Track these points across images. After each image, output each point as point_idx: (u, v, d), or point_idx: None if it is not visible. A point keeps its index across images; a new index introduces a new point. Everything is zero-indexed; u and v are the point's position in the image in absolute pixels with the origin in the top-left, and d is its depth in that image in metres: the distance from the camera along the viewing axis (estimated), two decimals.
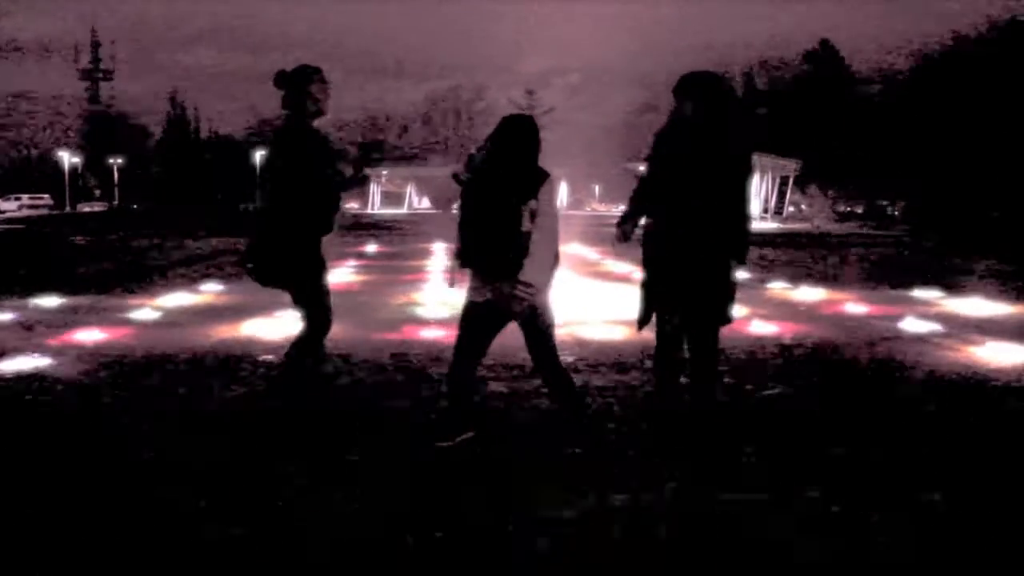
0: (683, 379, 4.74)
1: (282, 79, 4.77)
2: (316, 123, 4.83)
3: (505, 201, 4.25)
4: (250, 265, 4.81)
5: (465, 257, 4.41)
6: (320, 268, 4.77)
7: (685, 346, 4.65)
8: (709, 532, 3.57)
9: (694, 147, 4.42)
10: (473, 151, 4.49)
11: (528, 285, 4.20)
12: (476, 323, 4.48)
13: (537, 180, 4.28)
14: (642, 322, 4.72)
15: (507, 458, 4.42)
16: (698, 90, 4.48)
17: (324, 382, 5.26)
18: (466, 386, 4.61)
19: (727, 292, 4.50)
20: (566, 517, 3.64)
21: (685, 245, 4.41)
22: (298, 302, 4.79)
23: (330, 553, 3.35)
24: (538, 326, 4.43)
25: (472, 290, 4.46)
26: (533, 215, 4.24)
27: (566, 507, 3.73)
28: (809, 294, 11.69)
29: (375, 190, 71.66)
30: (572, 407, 4.67)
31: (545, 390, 4.97)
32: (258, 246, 4.78)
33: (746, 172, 4.52)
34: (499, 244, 4.26)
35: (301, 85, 4.71)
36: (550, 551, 3.35)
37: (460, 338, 4.54)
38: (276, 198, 4.73)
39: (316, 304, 4.77)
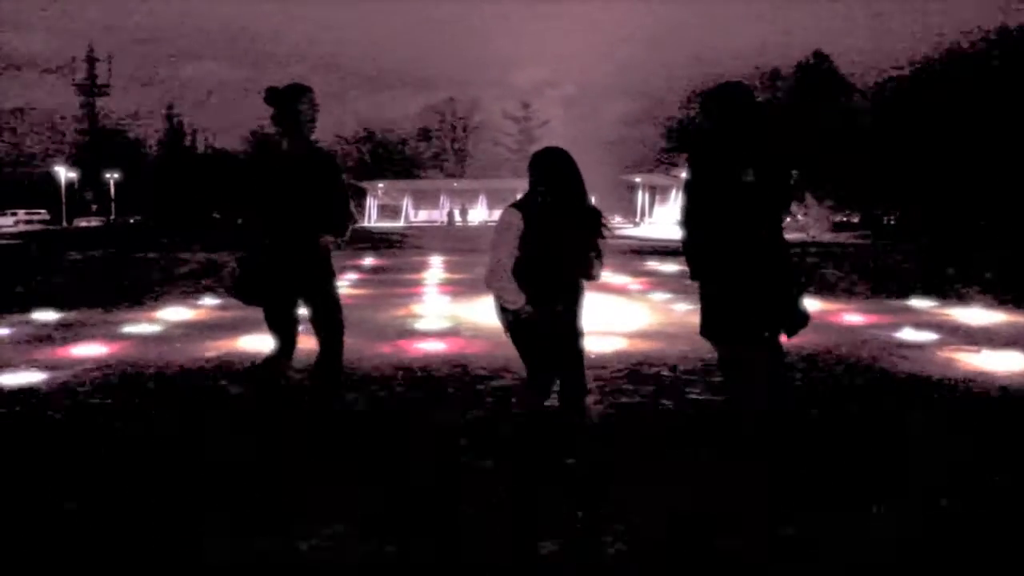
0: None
1: (272, 97, 4.77)
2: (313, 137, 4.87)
3: (568, 245, 4.30)
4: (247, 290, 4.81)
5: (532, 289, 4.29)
6: (326, 277, 4.81)
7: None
8: (709, 536, 3.57)
9: (744, 162, 4.49)
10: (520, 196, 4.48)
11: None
12: (533, 332, 4.41)
13: (595, 218, 4.36)
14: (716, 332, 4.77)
15: (507, 467, 4.43)
16: (738, 104, 4.54)
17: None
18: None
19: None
20: (564, 527, 3.65)
21: (755, 261, 4.55)
22: (314, 308, 4.82)
23: (329, 558, 3.36)
24: (576, 344, 4.52)
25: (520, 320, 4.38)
26: (599, 253, 4.37)
27: (566, 516, 3.75)
28: (806, 304, 11.67)
29: (372, 203, 71.69)
30: (575, 418, 4.67)
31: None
32: (255, 268, 4.78)
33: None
34: (564, 280, 4.36)
35: (290, 103, 4.71)
36: (546, 561, 3.37)
37: (531, 348, 4.45)
38: (263, 217, 4.74)
39: (331, 311, 4.82)
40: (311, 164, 4.74)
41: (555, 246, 4.22)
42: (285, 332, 4.80)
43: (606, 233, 4.39)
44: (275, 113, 4.77)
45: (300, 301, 4.82)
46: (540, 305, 4.26)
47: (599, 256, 4.38)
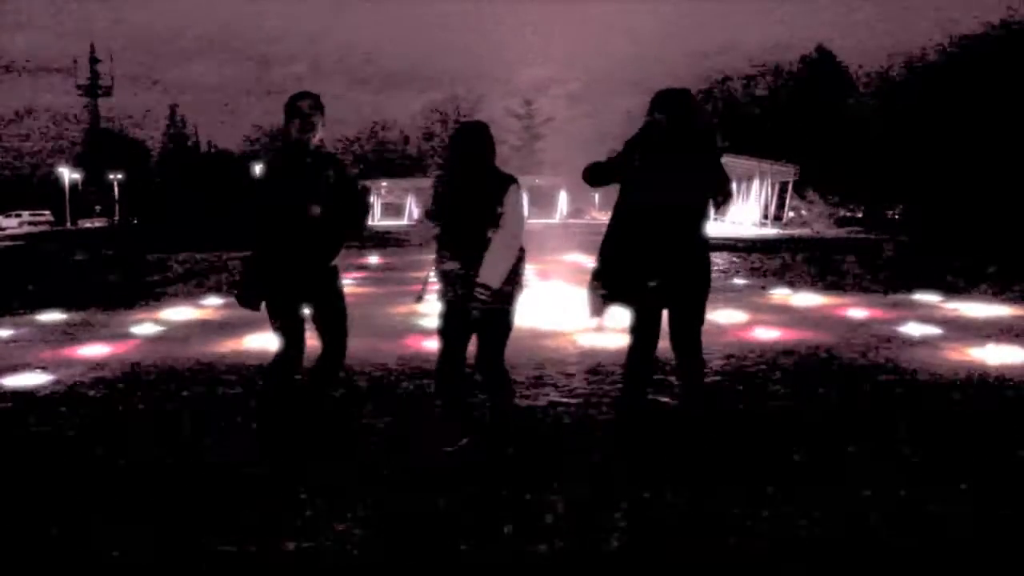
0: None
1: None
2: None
3: (470, 209, 4.36)
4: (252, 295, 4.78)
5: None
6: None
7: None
8: (707, 532, 3.58)
9: (667, 152, 4.59)
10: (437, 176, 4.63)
11: (482, 286, 4.32)
12: (452, 324, 4.57)
13: (502, 186, 4.39)
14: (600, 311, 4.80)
15: (505, 462, 4.44)
16: (671, 105, 4.64)
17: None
18: (455, 388, 4.67)
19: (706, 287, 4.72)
20: (565, 516, 3.66)
21: (668, 240, 4.55)
22: (320, 313, 4.81)
23: (329, 558, 3.37)
24: (493, 328, 4.50)
25: (443, 292, 4.55)
26: (498, 220, 4.33)
27: (562, 514, 3.76)
28: (810, 300, 11.70)
29: (375, 202, 71.67)
30: (503, 411, 4.68)
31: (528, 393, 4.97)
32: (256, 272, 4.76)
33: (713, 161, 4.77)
34: (468, 250, 4.37)
35: (287, 111, 4.71)
36: (552, 550, 3.37)
37: (441, 341, 4.64)
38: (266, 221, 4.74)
39: (337, 316, 4.83)
40: (311, 167, 4.71)
41: (455, 208, 4.41)
42: (292, 335, 4.80)
43: (508, 202, 4.37)
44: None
45: (304, 304, 4.80)
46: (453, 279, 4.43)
47: (499, 220, 4.35)
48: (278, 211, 4.64)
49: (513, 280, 4.45)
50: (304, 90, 4.80)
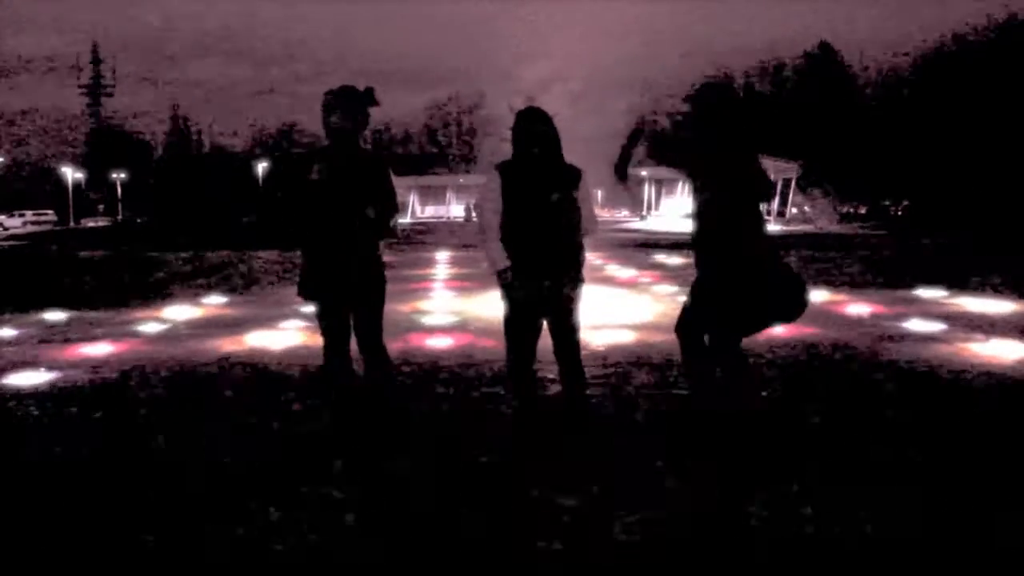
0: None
1: None
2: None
3: (546, 194, 4.39)
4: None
5: (514, 258, 4.45)
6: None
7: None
8: (713, 531, 3.57)
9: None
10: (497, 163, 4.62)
11: (575, 280, 4.47)
12: (524, 325, 4.58)
13: (572, 173, 4.46)
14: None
15: (512, 462, 4.44)
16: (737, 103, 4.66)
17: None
18: (530, 384, 4.78)
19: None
20: (571, 513, 3.66)
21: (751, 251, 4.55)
22: (357, 318, 4.89)
23: (329, 558, 3.37)
24: (568, 321, 4.56)
25: (513, 290, 4.51)
26: (575, 207, 4.40)
27: (572, 502, 3.76)
28: (813, 295, 11.66)
29: None
30: (579, 405, 4.72)
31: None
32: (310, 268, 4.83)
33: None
34: (549, 239, 4.41)
35: (323, 108, 4.73)
36: (555, 549, 3.37)
37: (512, 340, 4.64)
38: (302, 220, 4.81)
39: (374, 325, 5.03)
40: (348, 166, 4.71)
41: (530, 202, 4.39)
42: (334, 338, 4.82)
43: (583, 189, 4.45)
44: None
45: (344, 305, 4.85)
46: (526, 276, 4.41)
47: (578, 213, 4.44)
48: (320, 215, 4.66)
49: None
50: (344, 84, 4.80)
